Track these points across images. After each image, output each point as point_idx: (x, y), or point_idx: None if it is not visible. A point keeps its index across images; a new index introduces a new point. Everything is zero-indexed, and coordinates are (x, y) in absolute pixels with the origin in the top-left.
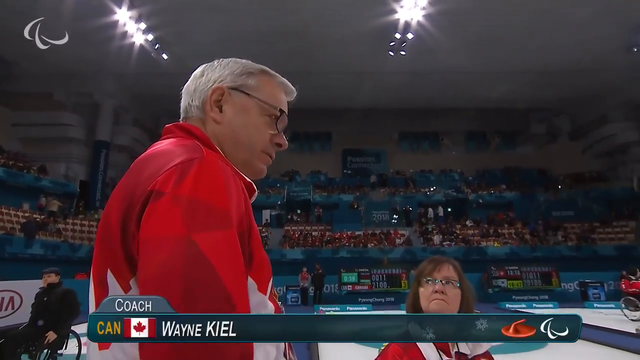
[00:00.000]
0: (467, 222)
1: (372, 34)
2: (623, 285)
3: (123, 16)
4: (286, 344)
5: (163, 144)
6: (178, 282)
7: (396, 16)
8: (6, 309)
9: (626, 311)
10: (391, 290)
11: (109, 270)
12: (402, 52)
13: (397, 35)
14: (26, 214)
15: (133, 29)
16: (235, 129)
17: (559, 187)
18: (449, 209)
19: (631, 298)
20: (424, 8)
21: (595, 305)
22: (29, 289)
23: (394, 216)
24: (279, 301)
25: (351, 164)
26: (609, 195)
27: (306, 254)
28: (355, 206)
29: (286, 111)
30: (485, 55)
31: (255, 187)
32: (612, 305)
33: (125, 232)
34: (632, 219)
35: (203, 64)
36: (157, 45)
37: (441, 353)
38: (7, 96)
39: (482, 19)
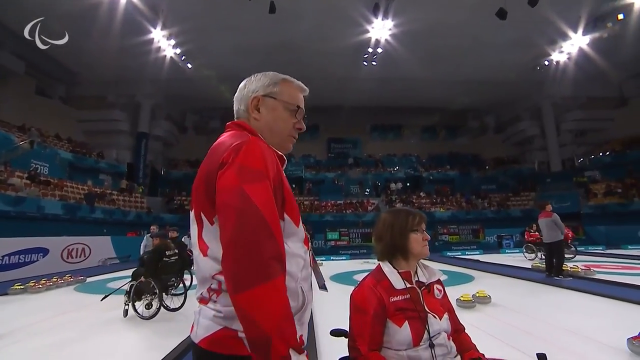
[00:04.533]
0: (421, 194)
1: (350, 48)
2: (525, 236)
3: (157, 35)
4: (310, 256)
5: (226, 135)
6: (235, 211)
7: (369, 35)
8: (80, 257)
9: (526, 254)
10: (364, 245)
11: (201, 212)
12: (374, 63)
13: (370, 50)
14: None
15: (165, 45)
16: (269, 123)
17: (486, 167)
18: (408, 184)
19: (530, 245)
20: (390, 29)
21: (507, 251)
22: (94, 242)
23: (367, 189)
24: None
25: (334, 149)
26: (519, 173)
27: None
28: (337, 181)
29: (303, 105)
30: (435, 67)
31: (285, 159)
32: (517, 251)
33: (208, 190)
34: (533, 190)
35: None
36: (183, 57)
37: (405, 282)
38: (73, 99)
39: (432, 40)
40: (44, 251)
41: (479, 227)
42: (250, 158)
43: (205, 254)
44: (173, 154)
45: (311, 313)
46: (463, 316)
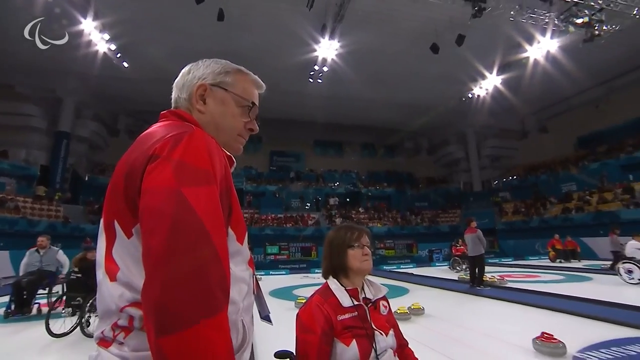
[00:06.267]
0: (360, 209)
1: (297, 64)
2: (453, 250)
3: (88, 26)
4: (254, 282)
5: (160, 125)
6: (168, 220)
7: (315, 53)
8: None
9: (456, 267)
10: (304, 259)
11: (115, 220)
12: (319, 81)
13: (316, 68)
14: None
15: (97, 37)
16: (216, 118)
17: (420, 186)
18: (348, 199)
19: (456, 259)
20: (336, 49)
21: (437, 264)
22: None
23: (307, 203)
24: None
25: (276, 162)
26: (447, 192)
27: None
28: (278, 195)
29: (257, 103)
30: (376, 89)
31: (234, 160)
32: (446, 264)
33: (128, 190)
34: (459, 208)
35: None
36: (118, 55)
37: (353, 299)
38: None
39: (374, 64)
40: None
41: (413, 242)
42: (193, 153)
43: (113, 278)
44: (100, 158)
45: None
46: (400, 328)
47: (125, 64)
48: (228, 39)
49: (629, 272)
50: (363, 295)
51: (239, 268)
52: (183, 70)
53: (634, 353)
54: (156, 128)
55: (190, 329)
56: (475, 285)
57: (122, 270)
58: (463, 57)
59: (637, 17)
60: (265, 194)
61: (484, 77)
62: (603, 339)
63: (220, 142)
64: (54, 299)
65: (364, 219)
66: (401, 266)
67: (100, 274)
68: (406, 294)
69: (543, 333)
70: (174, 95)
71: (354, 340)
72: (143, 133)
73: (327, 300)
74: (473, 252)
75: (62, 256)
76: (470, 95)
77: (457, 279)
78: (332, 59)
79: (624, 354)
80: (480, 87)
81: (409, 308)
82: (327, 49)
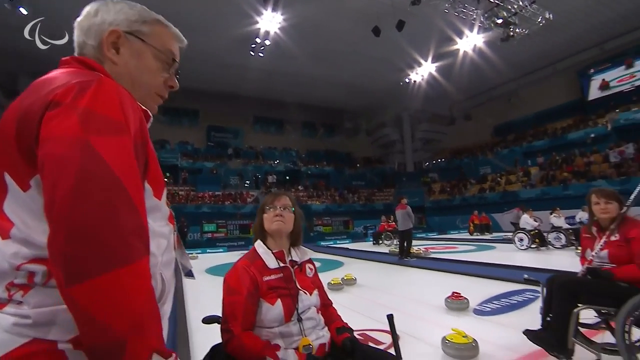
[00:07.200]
0: (299, 187)
1: (238, 36)
2: (385, 225)
3: None
4: (175, 237)
5: (61, 71)
6: (74, 169)
7: (257, 25)
8: None
9: (386, 241)
10: (242, 237)
11: (6, 173)
12: (260, 55)
13: (258, 40)
14: None
15: None
16: (132, 71)
17: (357, 165)
18: (287, 177)
19: (388, 233)
20: (279, 22)
21: (371, 239)
22: None
23: (247, 181)
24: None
25: (214, 137)
26: (383, 172)
27: (174, 209)
28: (215, 172)
29: (178, 58)
30: (319, 67)
31: (150, 115)
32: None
33: (22, 137)
34: (393, 187)
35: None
36: None
37: (279, 261)
38: None
39: (317, 40)
40: None
41: (349, 219)
42: (102, 102)
43: (5, 236)
44: None
45: (184, 306)
46: (333, 297)
47: (23, 11)
48: (162, 2)
49: (521, 240)
50: (290, 258)
51: (158, 224)
52: (88, 9)
53: (515, 301)
54: (57, 74)
55: (102, 276)
56: (404, 257)
57: (17, 226)
58: (402, 43)
59: (541, 24)
60: (202, 170)
61: (420, 64)
62: (495, 293)
63: (135, 98)
64: None
65: (303, 196)
66: (337, 242)
67: None
68: (341, 266)
69: (453, 292)
70: (77, 38)
71: (279, 299)
72: (39, 78)
73: (253, 263)
74: (402, 227)
75: None
76: (407, 80)
77: (388, 252)
78: (275, 32)
79: (508, 303)
80: (417, 73)
81: (342, 279)
82: (270, 22)
